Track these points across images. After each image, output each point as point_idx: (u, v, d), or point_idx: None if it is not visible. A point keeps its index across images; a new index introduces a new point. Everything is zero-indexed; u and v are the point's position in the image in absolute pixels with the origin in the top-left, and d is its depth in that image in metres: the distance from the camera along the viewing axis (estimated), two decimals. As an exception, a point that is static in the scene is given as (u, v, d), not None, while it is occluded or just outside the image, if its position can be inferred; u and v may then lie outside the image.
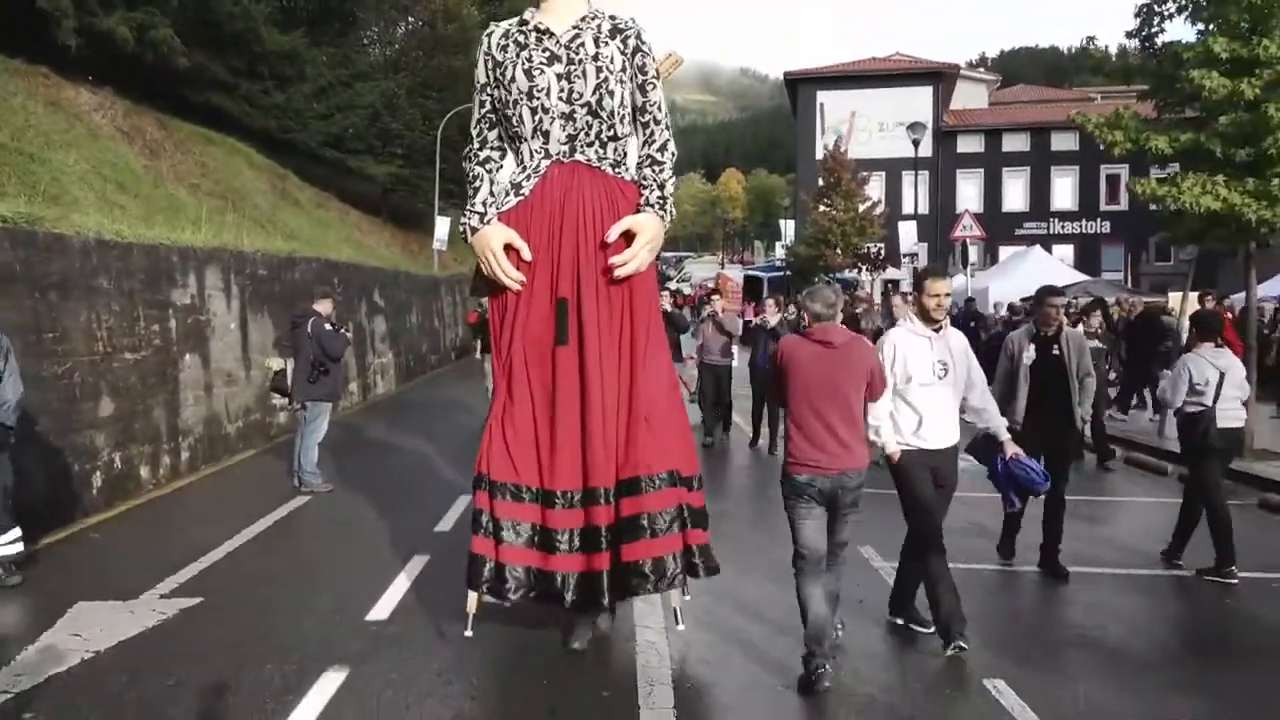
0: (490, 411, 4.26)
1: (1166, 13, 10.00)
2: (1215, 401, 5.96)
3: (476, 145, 3.83)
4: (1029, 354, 6.05)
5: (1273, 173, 9.05)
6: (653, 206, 3.81)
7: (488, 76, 3.83)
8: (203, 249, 9.94)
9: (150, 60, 16.36)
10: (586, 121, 3.67)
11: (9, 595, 5.50)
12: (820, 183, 32.06)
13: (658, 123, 3.84)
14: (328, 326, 8.05)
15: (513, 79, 3.66)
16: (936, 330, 4.75)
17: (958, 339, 4.88)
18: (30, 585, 5.67)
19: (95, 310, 7.55)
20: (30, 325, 6.78)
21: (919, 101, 38.29)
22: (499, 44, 3.72)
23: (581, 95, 3.64)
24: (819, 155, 35.72)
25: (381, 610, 5.12)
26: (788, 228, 44.56)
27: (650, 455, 4.01)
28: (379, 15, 29.34)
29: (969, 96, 43.66)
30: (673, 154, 3.99)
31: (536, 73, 3.60)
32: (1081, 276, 25.48)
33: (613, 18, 3.72)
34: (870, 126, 39.18)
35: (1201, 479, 6.09)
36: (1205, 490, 6.07)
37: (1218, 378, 5.99)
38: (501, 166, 3.97)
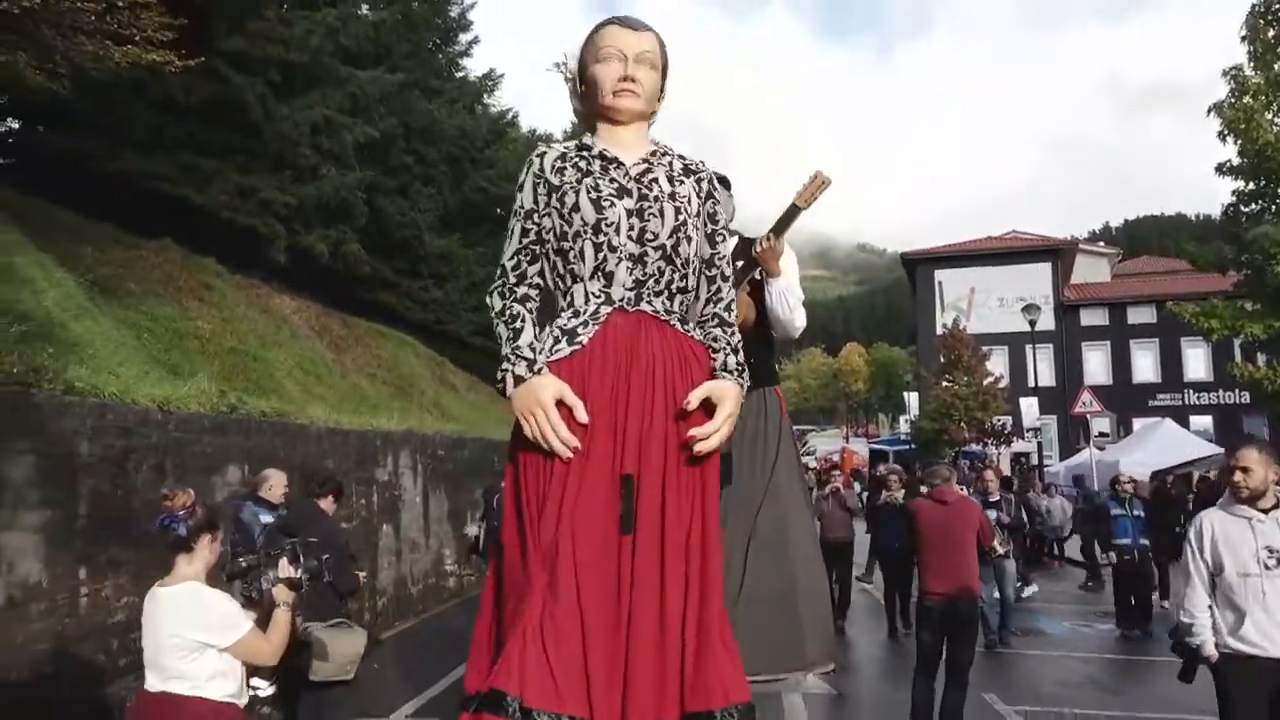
0: (498, 609, 2.83)
1: (1252, 212, 10.97)
2: None
3: (513, 279, 2.83)
4: None
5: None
6: (731, 373, 2.88)
7: (536, 202, 2.89)
8: (397, 433, 11.65)
9: (340, 269, 18.99)
10: (659, 267, 2.78)
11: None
12: (941, 359, 32.90)
13: (725, 279, 3.02)
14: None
15: (575, 208, 2.76)
16: (1264, 510, 4.13)
17: None
18: None
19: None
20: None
21: (1038, 276, 39.14)
22: (554, 165, 2.86)
23: (656, 236, 2.77)
24: (939, 331, 36.69)
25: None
26: (911, 400, 45.14)
27: (727, 679, 2.77)
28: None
29: (1091, 269, 44.21)
30: (736, 315, 3.08)
31: (606, 205, 2.75)
32: (1216, 449, 25.21)
33: (682, 157, 3.01)
34: (990, 302, 40.05)
35: None
36: None
37: None
38: (540, 307, 2.98)
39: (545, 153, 2.69)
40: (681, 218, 2.61)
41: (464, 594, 12.71)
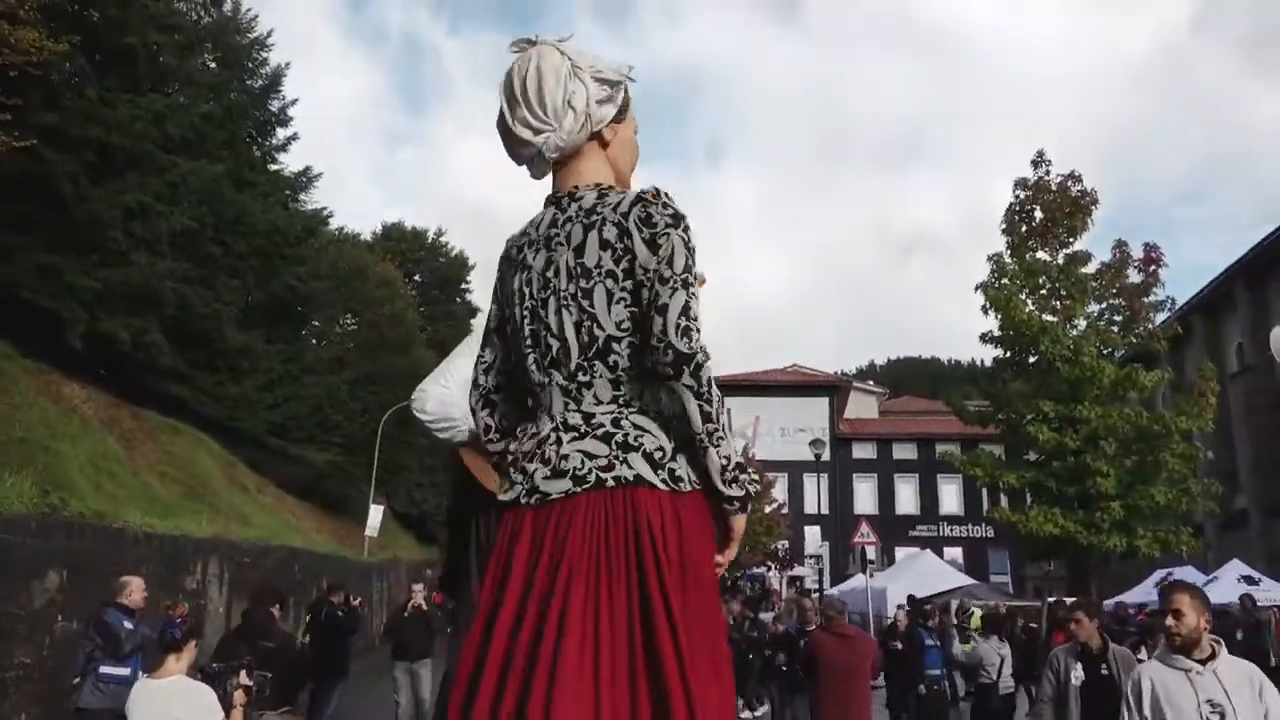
0: None
1: (1008, 379, 12.81)
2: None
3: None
4: (1077, 673, 5.62)
5: (1096, 508, 11.50)
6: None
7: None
8: (206, 540, 11.29)
9: (141, 359, 18.14)
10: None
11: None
12: (729, 482, 34.54)
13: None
14: (340, 613, 9.46)
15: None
16: (1200, 660, 3.93)
17: (1234, 670, 3.96)
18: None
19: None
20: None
21: (818, 409, 42.22)
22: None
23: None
24: (727, 456, 38.55)
25: None
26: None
27: None
28: (330, 317, 32.05)
29: (862, 405, 48.08)
30: None
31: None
32: (967, 580, 27.76)
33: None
34: (774, 430, 42.66)
35: None
36: None
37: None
38: None
39: None
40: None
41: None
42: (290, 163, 29.41)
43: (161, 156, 17.76)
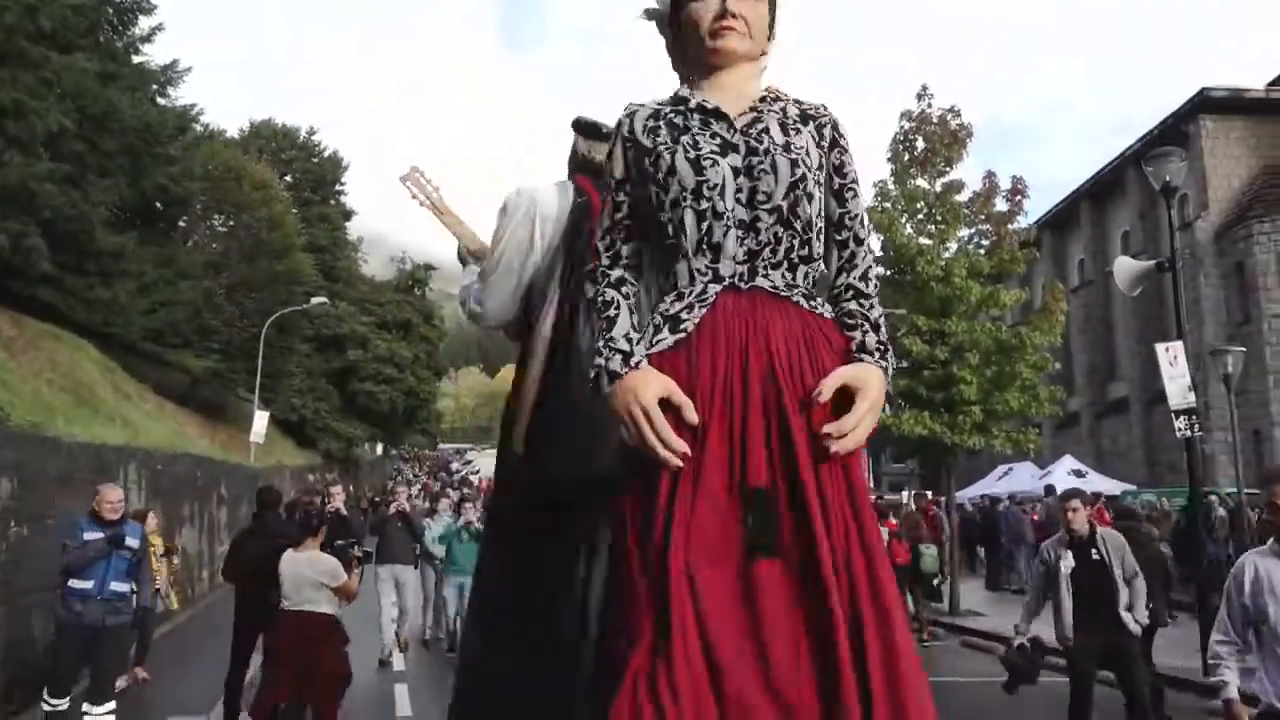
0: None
1: (888, 294, 14.03)
2: None
3: (605, 261, 2.28)
4: (1068, 562, 5.81)
5: (959, 412, 12.97)
6: (871, 354, 2.18)
7: (628, 170, 2.31)
8: (127, 448, 11.51)
9: (17, 264, 17.51)
10: (774, 233, 2.14)
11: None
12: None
13: (859, 242, 2.33)
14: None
15: (671, 171, 2.16)
16: None
17: None
18: None
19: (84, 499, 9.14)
20: (39, 513, 8.38)
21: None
22: (646, 126, 2.26)
23: (769, 197, 2.13)
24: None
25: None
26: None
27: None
28: (203, 220, 31.04)
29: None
30: (877, 285, 2.54)
31: (707, 164, 2.12)
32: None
33: (799, 101, 2.33)
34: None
35: None
36: None
37: None
38: (639, 290, 2.33)
39: (635, 111, 2.20)
40: (799, 172, 2.08)
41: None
42: (155, 55, 27.79)
43: (34, 50, 16.87)
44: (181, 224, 30.50)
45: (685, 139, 2.06)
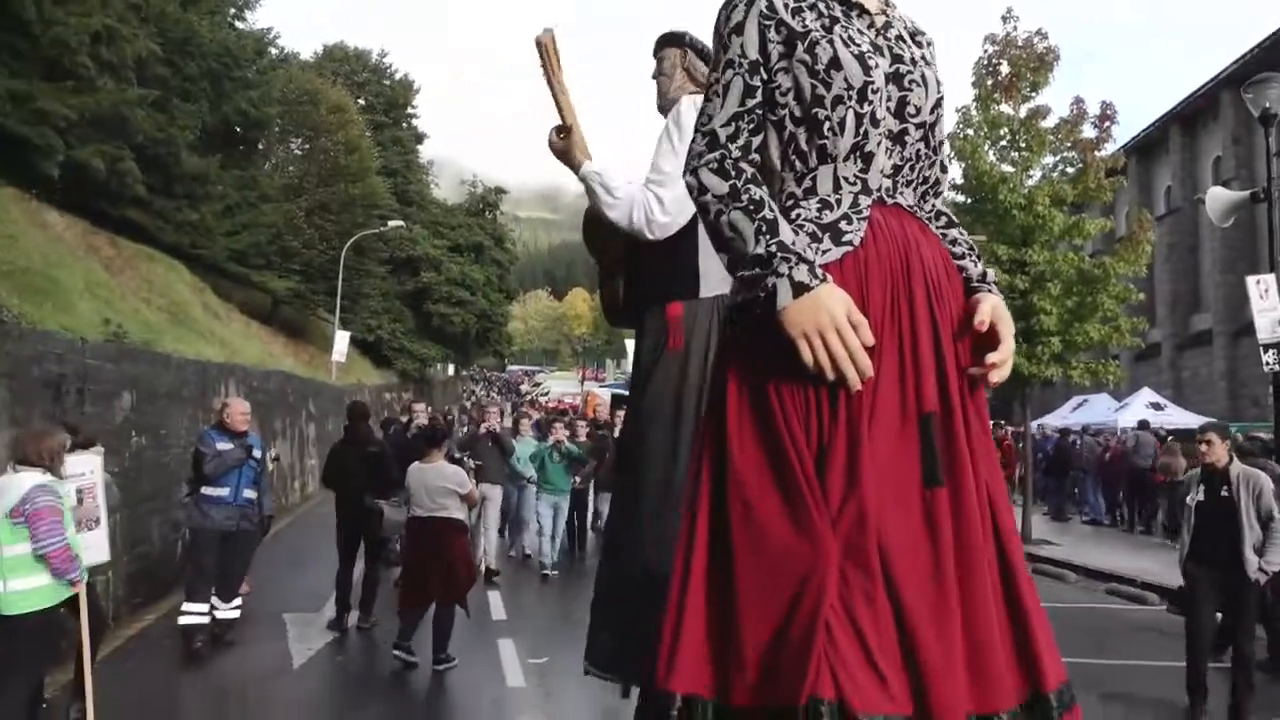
0: (722, 585, 1.79)
1: (967, 222, 13.87)
2: None
3: (736, 152, 1.83)
4: (1196, 494, 5.76)
5: (1037, 342, 12.87)
6: (989, 285, 2.01)
7: (766, 51, 1.89)
8: (227, 365, 12.08)
9: (113, 187, 18.17)
10: (917, 150, 1.94)
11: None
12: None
13: (945, 169, 2.14)
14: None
15: (835, 64, 1.83)
16: None
17: None
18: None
19: (190, 414, 9.70)
20: (154, 425, 8.93)
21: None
22: (789, 4, 1.88)
23: (918, 111, 1.92)
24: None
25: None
26: (631, 346, 48.02)
27: (1054, 659, 1.91)
28: (283, 144, 31.60)
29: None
30: None
31: (871, 64, 1.84)
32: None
33: (901, 17, 2.06)
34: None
35: None
36: None
37: None
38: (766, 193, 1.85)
39: None
40: (942, 91, 1.95)
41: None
42: (232, -20, 28.06)
43: (122, -25, 17.26)
44: (260, 147, 31.17)
45: (839, 30, 1.83)
